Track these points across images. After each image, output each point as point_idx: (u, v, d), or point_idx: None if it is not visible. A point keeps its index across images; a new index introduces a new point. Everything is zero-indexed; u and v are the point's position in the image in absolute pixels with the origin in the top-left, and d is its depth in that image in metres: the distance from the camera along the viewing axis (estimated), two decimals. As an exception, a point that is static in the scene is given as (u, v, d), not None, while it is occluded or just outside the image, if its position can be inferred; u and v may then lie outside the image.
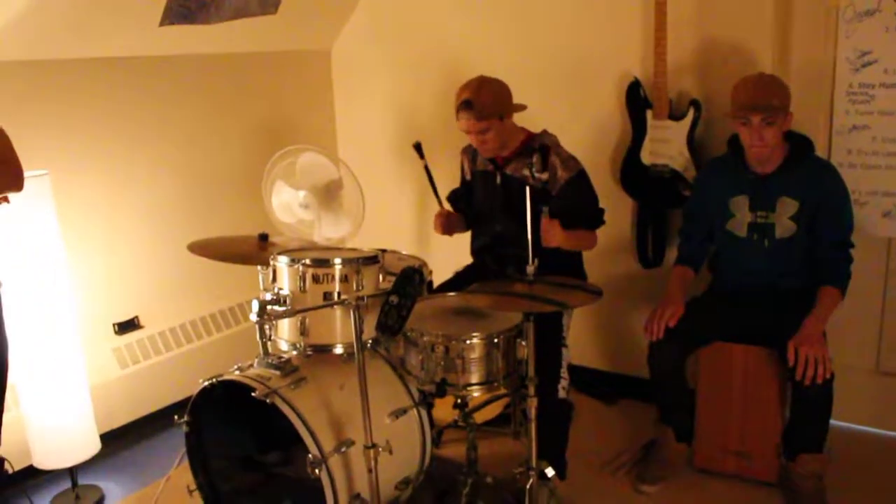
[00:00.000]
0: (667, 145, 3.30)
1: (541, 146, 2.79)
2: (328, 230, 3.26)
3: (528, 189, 2.42)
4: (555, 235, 2.78)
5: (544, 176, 2.89)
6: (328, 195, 3.21)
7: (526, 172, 2.90)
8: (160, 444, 3.44)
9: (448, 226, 3.17)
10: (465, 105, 2.84)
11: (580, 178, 2.93)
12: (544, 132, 3.02)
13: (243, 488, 2.73)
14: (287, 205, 3.22)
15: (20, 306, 2.74)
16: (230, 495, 2.69)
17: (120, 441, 3.37)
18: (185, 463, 2.88)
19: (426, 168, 3.13)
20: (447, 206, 3.21)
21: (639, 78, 3.34)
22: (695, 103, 3.22)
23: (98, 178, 3.34)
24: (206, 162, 3.77)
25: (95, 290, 3.33)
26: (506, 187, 3.02)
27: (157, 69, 3.52)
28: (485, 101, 2.84)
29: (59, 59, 3.14)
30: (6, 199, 2.37)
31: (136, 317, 3.51)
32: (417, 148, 3.14)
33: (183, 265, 3.59)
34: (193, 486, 2.66)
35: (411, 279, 2.24)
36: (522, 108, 2.98)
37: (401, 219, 4.30)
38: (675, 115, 3.27)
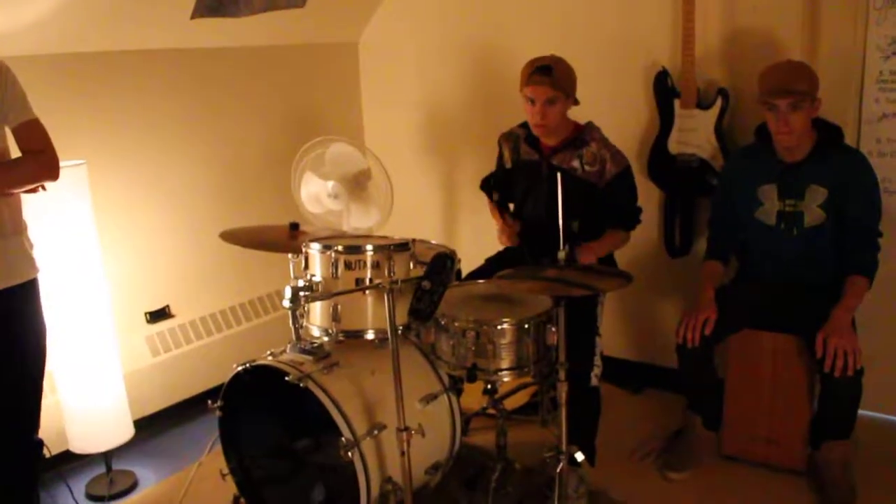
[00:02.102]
0: (694, 134, 3.30)
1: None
2: (357, 220, 3.29)
3: (559, 175, 2.43)
4: (589, 255, 2.81)
5: (594, 168, 2.90)
6: (356, 185, 3.25)
7: (575, 164, 2.91)
8: (191, 430, 3.50)
9: (513, 237, 3.11)
10: (544, 70, 2.83)
11: (627, 174, 2.95)
12: (590, 124, 3.03)
13: (275, 474, 2.76)
14: (316, 195, 3.26)
15: (57, 294, 2.79)
16: (262, 481, 2.72)
17: (152, 427, 3.42)
18: (217, 449, 2.92)
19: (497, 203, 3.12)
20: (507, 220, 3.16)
21: (666, 67, 3.34)
22: (723, 92, 3.22)
23: (132, 168, 3.40)
24: (236, 153, 3.81)
25: (128, 280, 3.38)
26: (552, 178, 3.01)
27: (189, 62, 3.57)
28: (563, 71, 2.86)
29: (94, 52, 3.18)
30: (43, 188, 2.41)
31: (167, 306, 3.55)
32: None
33: (213, 255, 3.65)
34: (226, 471, 2.70)
35: (443, 265, 2.26)
36: (577, 102, 2.98)
37: (427, 209, 4.32)
38: (703, 105, 3.27)
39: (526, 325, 2.43)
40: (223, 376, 2.60)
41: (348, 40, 4.37)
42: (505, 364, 2.45)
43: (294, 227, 2.91)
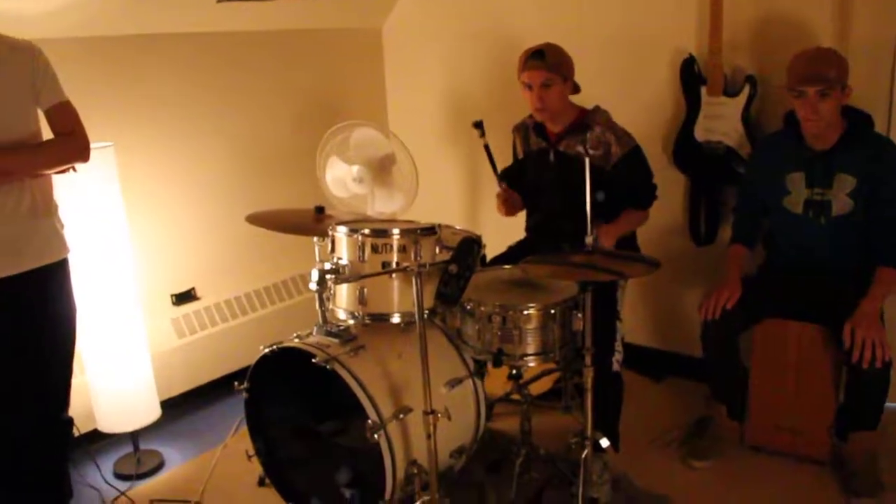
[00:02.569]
0: (721, 122, 3.28)
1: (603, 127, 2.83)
2: (381, 204, 3.30)
3: (588, 161, 2.42)
4: (607, 237, 2.81)
5: (598, 152, 2.90)
6: (381, 170, 3.25)
7: (579, 149, 2.91)
8: (216, 412, 3.52)
9: (510, 206, 3.22)
10: (536, 55, 2.89)
11: (635, 154, 2.94)
12: (597, 108, 3.03)
13: (300, 456, 2.78)
14: (341, 179, 3.27)
15: (85, 275, 2.81)
16: (288, 462, 2.75)
17: (178, 408, 3.45)
18: (242, 431, 2.96)
19: (486, 147, 3.14)
20: (504, 186, 3.22)
21: (693, 54, 3.32)
22: (750, 79, 3.19)
23: (160, 151, 3.42)
24: (261, 136, 3.83)
25: (154, 262, 3.40)
26: (559, 164, 3.03)
27: (215, 46, 3.58)
28: (555, 54, 2.90)
29: (122, 35, 3.20)
30: (73, 169, 2.43)
31: (193, 288, 3.58)
32: (478, 126, 3.14)
33: (238, 238, 3.67)
34: (252, 452, 2.73)
35: (470, 249, 2.27)
36: (577, 89, 3.00)
37: (451, 195, 4.32)
38: (730, 92, 3.24)
39: (552, 311, 2.43)
40: (248, 358, 2.62)
41: (372, 26, 4.37)
42: (531, 349, 2.45)
43: (319, 210, 2.93)
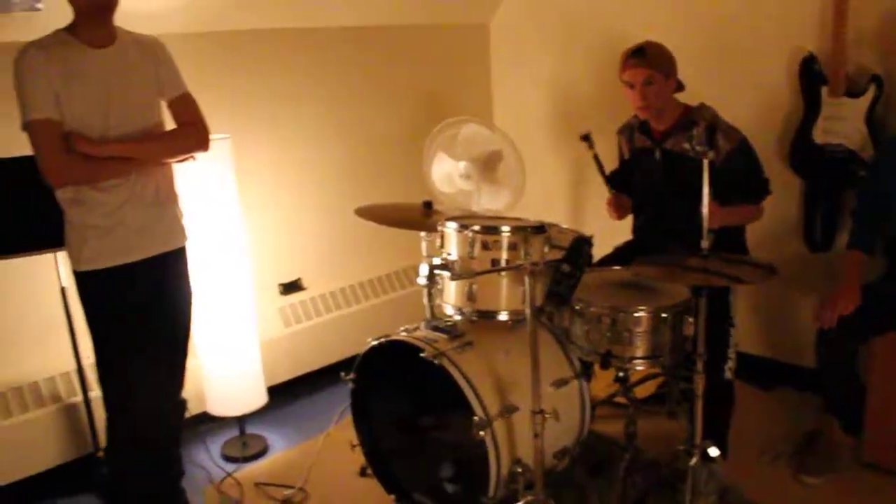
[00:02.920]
0: (842, 123, 3.14)
1: (707, 122, 2.75)
2: (487, 201, 3.29)
3: (705, 161, 2.36)
4: (714, 217, 2.73)
5: (705, 148, 2.82)
6: (488, 166, 3.24)
7: (686, 146, 2.84)
8: (320, 401, 3.58)
9: (621, 210, 3.17)
10: (636, 52, 2.87)
11: (743, 148, 2.86)
12: (702, 105, 2.95)
13: (403, 448, 2.80)
14: (448, 175, 3.28)
15: (201, 262, 2.90)
16: (391, 454, 2.77)
17: (283, 395, 3.53)
18: (343, 421, 3.00)
19: (595, 157, 3.10)
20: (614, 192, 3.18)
21: (814, 52, 3.19)
22: (876, 79, 3.04)
23: (273, 143, 3.52)
24: (369, 131, 3.89)
25: (263, 251, 3.49)
26: (666, 163, 2.97)
27: (328, 41, 3.65)
28: (655, 51, 2.87)
29: (239, 30, 3.30)
30: (192, 157, 2.50)
31: (300, 279, 3.66)
32: (586, 138, 3.11)
33: (345, 231, 3.74)
34: (356, 442, 2.76)
35: (582, 249, 2.24)
36: (682, 87, 2.94)
37: (555, 193, 4.28)
38: (853, 92, 3.10)
39: (663, 315, 2.39)
40: (352, 349, 2.66)
41: (479, 21, 4.37)
42: (639, 352, 2.41)
43: (428, 205, 2.94)
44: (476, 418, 2.28)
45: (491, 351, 2.50)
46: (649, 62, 2.85)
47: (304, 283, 3.67)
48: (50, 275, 2.81)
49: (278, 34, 3.44)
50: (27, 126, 2.21)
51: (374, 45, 3.86)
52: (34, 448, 2.93)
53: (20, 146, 2.28)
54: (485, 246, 2.40)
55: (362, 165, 3.85)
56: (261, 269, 3.47)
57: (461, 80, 4.33)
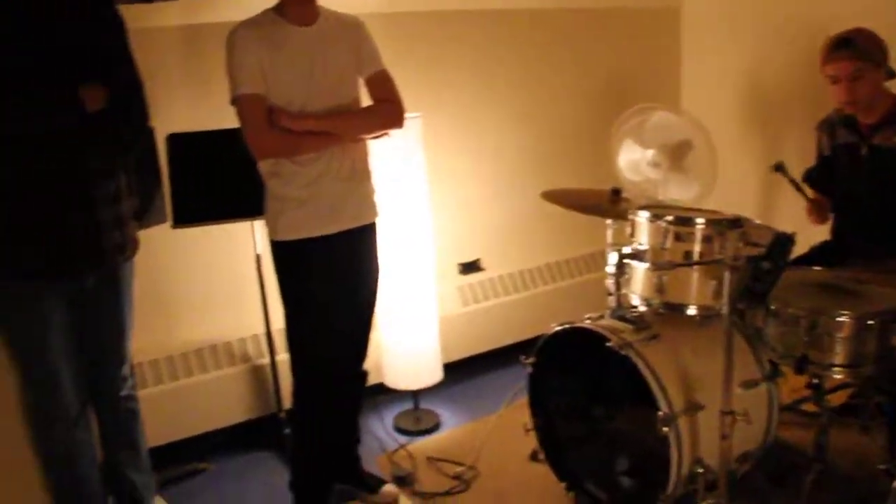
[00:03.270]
0: None
1: None
2: (675, 191, 3.19)
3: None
4: None
5: None
6: (677, 156, 3.14)
7: None
8: (492, 381, 3.61)
9: (822, 213, 3.01)
10: (841, 44, 2.67)
11: None
12: None
13: (577, 436, 2.77)
14: (635, 163, 3.20)
15: (387, 237, 2.98)
16: (565, 441, 2.74)
17: (457, 373, 3.57)
18: (515, 403, 3.00)
19: (793, 182, 2.96)
20: (811, 195, 3.02)
21: None
22: None
23: (459, 123, 3.56)
24: (554, 113, 3.86)
25: (445, 230, 3.55)
26: (873, 159, 2.77)
27: (517, 22, 3.66)
28: (864, 40, 2.65)
29: (428, 11, 3.38)
30: (387, 134, 2.56)
31: (479, 259, 3.70)
32: (780, 168, 2.95)
33: (524, 214, 3.75)
34: (530, 426, 2.76)
35: (784, 246, 2.13)
36: (893, 74, 2.72)
37: (746, 186, 4.09)
38: None
39: (869, 322, 2.23)
40: (527, 332, 2.67)
41: (671, 5, 4.22)
42: (839, 359, 2.27)
43: (616, 192, 2.89)
44: (660, 413, 2.22)
45: (678, 346, 2.42)
46: (858, 53, 2.64)
47: (483, 263, 3.71)
48: (246, 242, 2.98)
49: (470, 15, 3.48)
50: (235, 100, 2.33)
51: (563, 28, 3.82)
52: (222, 403, 3.13)
53: (228, 119, 2.41)
54: (678, 237, 2.33)
55: (546, 149, 3.83)
56: (441, 247, 3.53)
57: (649, 66, 4.21)
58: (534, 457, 2.90)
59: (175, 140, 2.77)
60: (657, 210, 2.44)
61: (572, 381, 2.80)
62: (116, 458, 2.58)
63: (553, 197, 2.88)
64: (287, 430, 3.12)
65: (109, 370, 2.47)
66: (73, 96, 2.11)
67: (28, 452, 2.58)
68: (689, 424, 2.30)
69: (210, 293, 3.16)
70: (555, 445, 2.76)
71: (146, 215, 2.66)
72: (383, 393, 3.34)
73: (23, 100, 2.06)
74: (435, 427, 3.27)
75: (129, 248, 2.38)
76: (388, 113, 2.52)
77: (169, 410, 2.97)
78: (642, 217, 2.42)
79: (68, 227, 2.18)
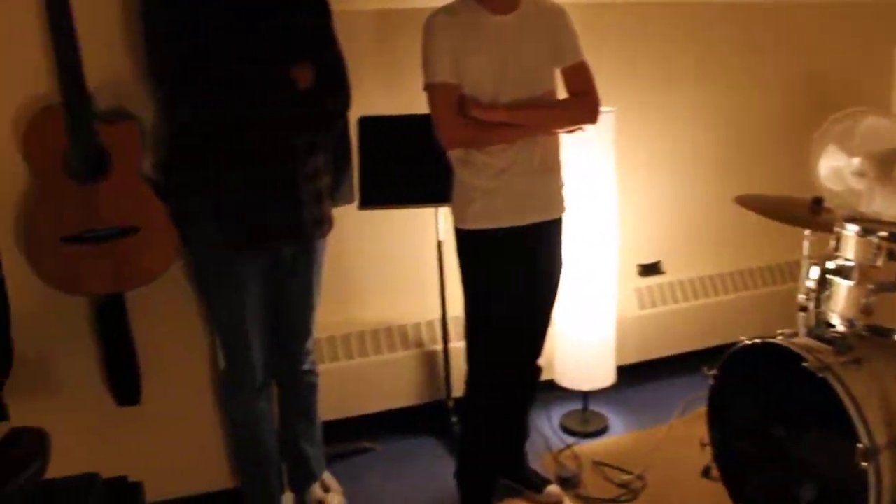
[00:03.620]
0: None
1: None
2: (881, 204, 2.95)
3: None
4: None
5: None
6: (886, 165, 2.91)
7: None
8: (664, 389, 3.48)
9: None
10: None
11: None
12: None
13: (755, 457, 2.62)
14: (838, 171, 2.98)
15: (571, 232, 2.91)
16: (743, 461, 2.59)
17: (629, 377, 3.45)
18: (688, 415, 2.87)
19: None
20: None
21: None
22: None
23: (652, 120, 3.46)
24: (750, 115, 3.67)
25: (627, 229, 3.44)
26: None
27: (714, 16, 3.49)
28: None
29: (622, 2, 3.28)
30: (582, 128, 2.50)
31: (659, 261, 3.58)
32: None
33: (711, 217, 3.59)
34: (706, 441, 2.64)
35: None
36: None
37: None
38: None
39: None
40: (706, 341, 2.55)
41: (890, -2, 3.89)
42: None
43: (817, 202, 2.70)
44: (860, 445, 2.05)
45: (883, 373, 2.22)
46: None
47: (664, 266, 3.58)
48: (429, 228, 3.01)
49: (667, 8, 3.35)
50: (428, 87, 2.35)
51: (765, 23, 3.59)
52: (393, 385, 3.18)
53: (420, 105, 2.43)
54: (891, 255, 2.16)
55: (739, 151, 3.64)
56: (622, 247, 3.42)
57: (859, 66, 3.90)
58: (706, 473, 2.76)
59: (366, 123, 2.82)
60: (868, 224, 2.26)
61: (755, 398, 2.65)
62: (293, 430, 2.68)
63: (748, 202, 2.73)
64: (454, 419, 3.14)
65: (295, 343, 2.57)
66: (286, 77, 2.20)
67: (213, 416, 2.74)
68: (892, 461, 2.11)
69: (390, 276, 3.21)
70: (731, 464, 2.63)
71: (336, 194, 2.74)
72: (553, 390, 3.29)
73: (243, 83, 2.16)
74: (602, 430, 3.20)
75: (325, 223, 2.47)
76: (583, 107, 2.45)
77: (341, 388, 3.04)
78: (851, 230, 2.26)
79: (272, 203, 2.28)
